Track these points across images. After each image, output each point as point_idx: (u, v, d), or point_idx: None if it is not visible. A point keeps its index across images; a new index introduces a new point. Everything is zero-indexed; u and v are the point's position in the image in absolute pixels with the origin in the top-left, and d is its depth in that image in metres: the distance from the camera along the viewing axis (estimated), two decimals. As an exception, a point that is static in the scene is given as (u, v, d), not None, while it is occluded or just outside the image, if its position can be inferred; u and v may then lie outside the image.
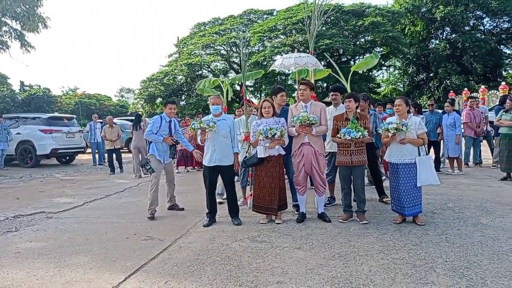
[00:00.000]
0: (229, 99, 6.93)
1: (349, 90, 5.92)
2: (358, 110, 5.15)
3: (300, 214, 5.15)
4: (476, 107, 9.60)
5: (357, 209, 4.99)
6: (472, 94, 18.32)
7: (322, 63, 31.66)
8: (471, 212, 5.24)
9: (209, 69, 35.69)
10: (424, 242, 4.12)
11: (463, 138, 8.94)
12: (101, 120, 14.84)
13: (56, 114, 22.25)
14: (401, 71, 39.17)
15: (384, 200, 5.93)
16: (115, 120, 13.86)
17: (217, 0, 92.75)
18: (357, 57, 34.85)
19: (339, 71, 6.19)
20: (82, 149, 14.92)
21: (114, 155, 11.01)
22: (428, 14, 34.72)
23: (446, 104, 8.97)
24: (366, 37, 32.02)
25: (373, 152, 5.72)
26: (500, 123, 7.39)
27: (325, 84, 30.71)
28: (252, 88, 35.95)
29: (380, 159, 6.95)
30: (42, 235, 4.96)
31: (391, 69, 39.87)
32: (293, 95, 26.33)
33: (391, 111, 7.52)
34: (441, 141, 8.83)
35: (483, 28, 35.65)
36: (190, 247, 4.23)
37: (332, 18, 30.48)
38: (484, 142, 10.35)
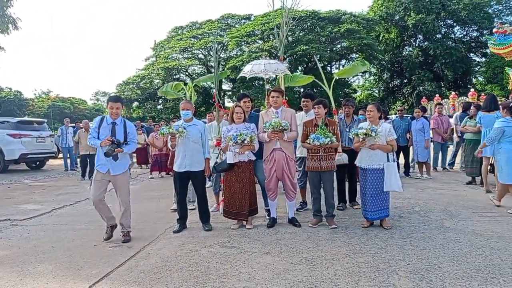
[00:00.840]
0: (194, 102, 6.90)
1: (331, 97, 5.97)
2: (346, 116, 5.18)
3: (271, 219, 5.20)
4: (456, 110, 9.89)
5: (327, 214, 5.07)
6: (440, 101, 18.91)
7: (300, 68, 32.06)
8: (436, 216, 5.40)
9: (187, 73, 35.54)
10: (389, 245, 4.22)
11: (431, 143, 9.21)
12: (73, 125, 14.52)
13: (26, 118, 21.63)
14: (376, 77, 40.12)
15: (354, 207, 6.00)
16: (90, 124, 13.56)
17: (195, 4, 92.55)
18: (334, 63, 35.48)
19: (324, 78, 6.20)
20: (53, 154, 14.55)
21: (88, 161, 10.65)
22: (401, 21, 35.76)
23: (415, 110, 9.25)
24: (342, 44, 32.65)
25: (354, 157, 5.74)
26: (465, 129, 7.66)
27: (301, 89, 31.04)
28: (230, 93, 36.01)
29: None
30: (5, 243, 4.81)
31: (367, 75, 40.75)
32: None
33: (363, 117, 7.67)
34: (411, 146, 9.07)
35: (453, 36, 37.00)
36: (159, 254, 4.20)
37: (308, 24, 30.94)
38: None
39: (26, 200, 7.77)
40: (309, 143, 4.89)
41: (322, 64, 33.67)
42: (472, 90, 23.47)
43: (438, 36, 35.54)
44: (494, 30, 17.53)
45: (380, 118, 5.10)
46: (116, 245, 4.57)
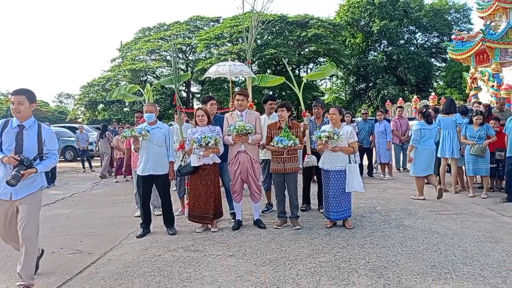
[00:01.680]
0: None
1: (301, 99, 5.95)
2: (316, 118, 5.20)
3: (236, 221, 5.20)
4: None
5: (291, 215, 5.14)
6: (403, 104, 19.60)
7: (269, 71, 32.26)
8: (396, 215, 5.59)
9: (154, 75, 34.96)
10: (350, 244, 4.33)
11: (393, 145, 9.51)
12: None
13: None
14: (343, 81, 40.99)
15: (321, 211, 6.06)
16: (53, 127, 13.10)
17: (163, 5, 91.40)
18: (302, 66, 35.96)
19: (293, 80, 6.21)
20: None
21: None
22: (366, 27, 36.78)
23: (377, 113, 9.53)
24: (310, 48, 33.12)
25: None
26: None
27: (271, 92, 31.27)
28: (198, 95, 35.72)
29: None
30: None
31: (334, 79, 41.59)
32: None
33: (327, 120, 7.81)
34: (374, 148, 9.34)
35: (416, 42, 38.44)
36: (120, 260, 4.11)
37: (277, 28, 31.22)
38: None
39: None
40: (273, 146, 4.94)
41: (291, 68, 34.08)
42: (432, 93, 24.43)
43: (402, 41, 36.82)
44: (453, 36, 18.38)
45: (342, 121, 5.22)
46: (76, 252, 4.44)
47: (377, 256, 3.94)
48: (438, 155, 7.25)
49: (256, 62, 30.58)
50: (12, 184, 3.18)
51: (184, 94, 34.30)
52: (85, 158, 13.73)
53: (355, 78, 38.95)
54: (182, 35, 35.19)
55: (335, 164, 5.00)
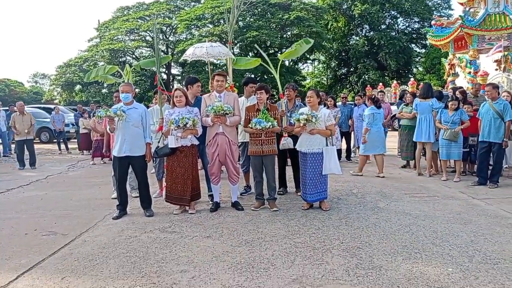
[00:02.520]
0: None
1: (278, 80, 5.84)
2: (288, 100, 5.21)
3: (214, 203, 5.21)
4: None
5: (269, 197, 5.17)
6: (383, 89, 19.81)
7: (250, 54, 31.97)
8: (371, 197, 5.71)
9: (133, 56, 34.17)
10: (326, 226, 4.41)
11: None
12: (6, 108, 13.52)
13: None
14: (324, 65, 40.99)
15: (298, 194, 6.12)
16: (27, 108, 12.64)
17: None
18: (284, 49, 35.76)
19: (269, 62, 6.12)
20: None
21: (25, 147, 9.95)
22: (348, 11, 36.67)
23: (356, 97, 9.61)
24: (292, 31, 32.91)
25: None
26: (401, 115, 8.10)
27: (252, 75, 31.07)
28: (179, 77, 35.19)
29: None
30: None
31: (316, 63, 41.56)
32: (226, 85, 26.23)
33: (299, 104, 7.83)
34: (352, 132, 9.44)
35: (397, 27, 38.61)
36: (95, 241, 4.08)
37: (259, 10, 30.83)
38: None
39: (-50, 188, 7.16)
40: (251, 127, 4.93)
41: (273, 51, 33.77)
42: (412, 79, 24.77)
43: (383, 26, 36.93)
44: (433, 22, 18.57)
45: (319, 103, 5.24)
46: (50, 233, 4.38)
47: (351, 237, 4.03)
48: (414, 139, 7.42)
49: (238, 45, 30.22)
50: None
51: (165, 76, 33.66)
52: (61, 140, 13.44)
53: (336, 62, 39.00)
54: (162, 15, 34.34)
55: (312, 147, 5.02)
